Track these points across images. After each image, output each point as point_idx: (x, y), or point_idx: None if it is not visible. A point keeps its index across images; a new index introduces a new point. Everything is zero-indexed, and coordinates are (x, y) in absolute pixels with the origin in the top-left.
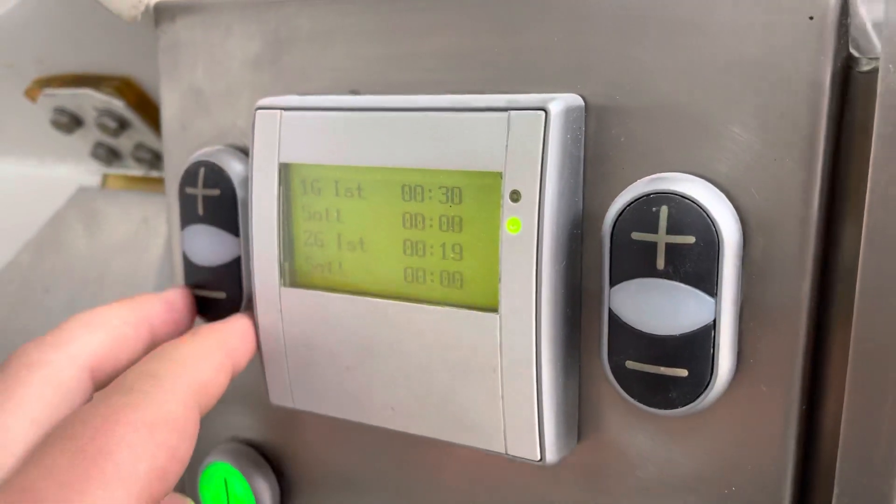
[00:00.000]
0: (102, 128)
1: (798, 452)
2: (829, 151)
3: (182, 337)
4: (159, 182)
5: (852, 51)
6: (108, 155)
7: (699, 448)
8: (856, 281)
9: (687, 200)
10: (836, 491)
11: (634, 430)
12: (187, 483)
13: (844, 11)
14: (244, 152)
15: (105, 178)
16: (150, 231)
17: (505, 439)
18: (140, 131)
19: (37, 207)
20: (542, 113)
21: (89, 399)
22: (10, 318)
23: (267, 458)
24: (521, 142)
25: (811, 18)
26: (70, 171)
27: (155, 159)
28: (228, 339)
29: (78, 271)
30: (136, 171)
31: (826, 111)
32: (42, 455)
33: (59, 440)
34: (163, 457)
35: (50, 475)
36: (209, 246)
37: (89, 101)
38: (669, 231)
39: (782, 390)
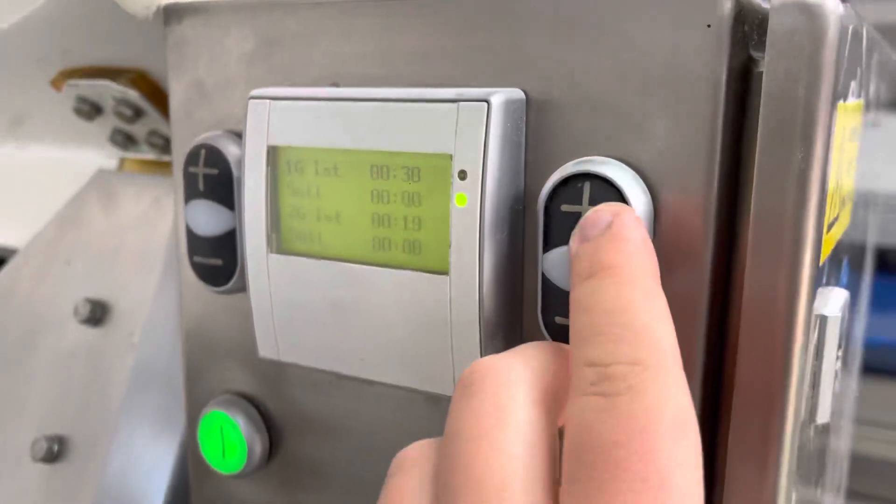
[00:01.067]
0: (119, 115)
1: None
2: (728, 141)
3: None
4: (170, 165)
5: (752, 52)
6: (125, 140)
7: None
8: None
9: (604, 180)
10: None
11: None
12: (190, 431)
13: (739, 19)
14: (240, 136)
15: (122, 161)
16: (161, 210)
17: (454, 385)
18: (153, 119)
19: (60, 188)
20: (485, 104)
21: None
22: (36, 286)
23: (258, 408)
24: (467, 128)
25: (709, 26)
26: (90, 156)
27: (166, 144)
28: None
29: (96, 246)
30: (150, 155)
31: (723, 106)
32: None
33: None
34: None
35: None
36: (208, 219)
37: (108, 91)
38: (591, 203)
39: (685, 356)
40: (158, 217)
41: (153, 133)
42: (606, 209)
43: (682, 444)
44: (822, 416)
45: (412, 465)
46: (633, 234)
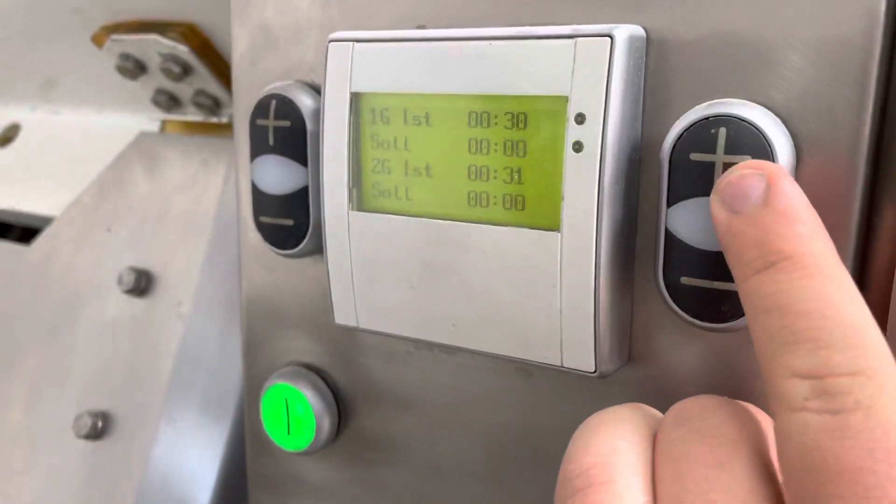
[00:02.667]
0: (167, 72)
1: None
2: (883, 77)
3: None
4: (217, 127)
5: None
6: (168, 101)
7: (746, 365)
8: None
9: (744, 123)
10: None
11: (684, 348)
12: (250, 404)
13: None
14: (312, 87)
15: (163, 124)
16: (210, 172)
17: (561, 352)
18: (202, 77)
19: (96, 154)
20: (609, 39)
21: None
22: (75, 255)
23: (326, 380)
24: (587, 67)
25: None
26: (128, 119)
27: (215, 105)
28: None
29: (138, 211)
30: (196, 116)
31: (881, 37)
32: None
33: None
34: None
35: None
36: (278, 175)
37: (154, 46)
38: (727, 151)
39: None
40: (207, 180)
41: (200, 92)
42: (753, 171)
43: None
44: None
45: (605, 482)
46: (803, 211)
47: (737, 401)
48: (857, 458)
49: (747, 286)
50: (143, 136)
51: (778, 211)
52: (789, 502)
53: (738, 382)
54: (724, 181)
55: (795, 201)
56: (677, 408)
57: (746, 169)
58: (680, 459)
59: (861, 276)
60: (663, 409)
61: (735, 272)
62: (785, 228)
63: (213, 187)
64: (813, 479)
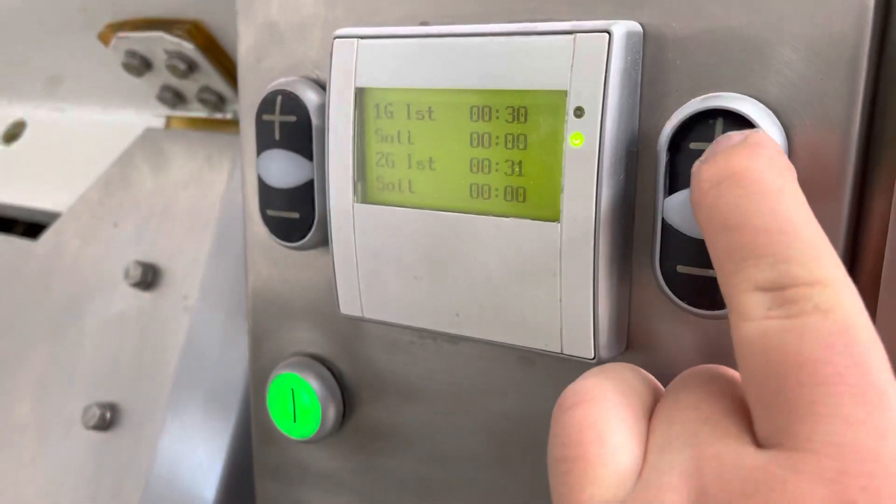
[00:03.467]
0: (172, 69)
1: None
2: (872, 71)
3: None
4: (222, 123)
5: None
6: (174, 98)
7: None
8: (892, 199)
9: (739, 115)
10: None
11: (680, 335)
12: (255, 395)
13: None
14: (317, 83)
15: (168, 120)
16: (214, 168)
17: (561, 340)
18: (207, 74)
19: (102, 150)
20: (606, 35)
21: None
22: (81, 250)
23: (331, 370)
24: (585, 61)
25: None
26: (133, 117)
27: (219, 101)
28: None
29: (144, 206)
30: (200, 112)
31: (870, 32)
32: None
33: None
34: None
35: None
36: (284, 169)
37: (160, 43)
38: None
39: None
40: (212, 175)
41: (205, 89)
42: (735, 132)
43: (884, 358)
44: None
45: (596, 398)
46: (768, 142)
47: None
48: (816, 351)
49: (699, 208)
50: (148, 133)
51: (745, 142)
52: (753, 406)
53: (733, 368)
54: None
55: (764, 138)
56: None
57: (731, 133)
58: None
59: (852, 264)
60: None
61: (693, 196)
62: (745, 149)
63: (217, 182)
64: (774, 374)
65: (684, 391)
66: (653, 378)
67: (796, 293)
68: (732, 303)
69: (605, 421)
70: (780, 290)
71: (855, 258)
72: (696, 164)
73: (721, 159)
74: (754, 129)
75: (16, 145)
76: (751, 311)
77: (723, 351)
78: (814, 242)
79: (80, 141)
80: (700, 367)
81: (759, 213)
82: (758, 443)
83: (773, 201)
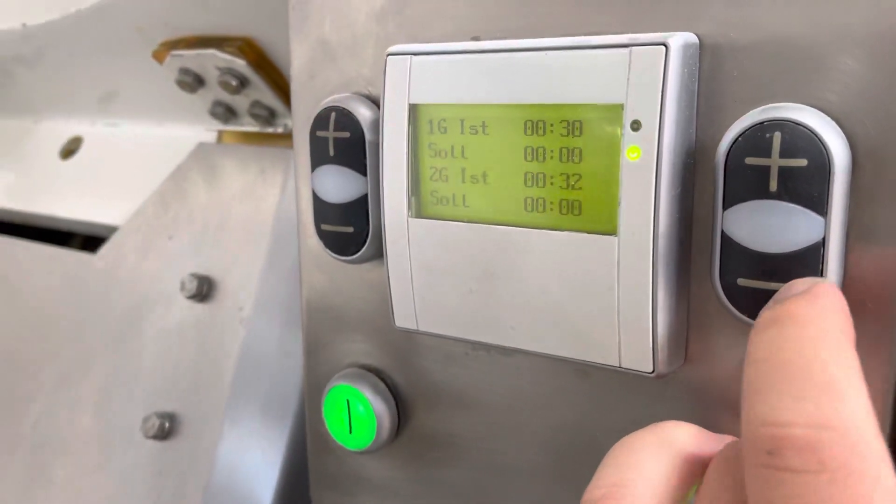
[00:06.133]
0: (224, 86)
1: None
2: None
3: None
4: (273, 137)
5: None
6: (226, 113)
7: None
8: None
9: (800, 126)
10: None
11: (740, 348)
12: (311, 405)
13: None
14: (370, 99)
15: (220, 134)
16: (267, 182)
17: (619, 353)
18: (258, 89)
19: (156, 165)
20: (663, 48)
21: None
22: (138, 263)
23: (385, 381)
24: (642, 74)
25: None
26: (186, 131)
27: (270, 116)
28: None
29: (199, 220)
30: (252, 127)
31: None
32: None
33: None
34: None
35: None
36: (338, 184)
37: (212, 61)
38: (783, 155)
39: (887, 308)
40: (265, 189)
41: (256, 104)
42: (802, 280)
43: None
44: None
45: (623, 496)
46: (832, 293)
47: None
48: None
49: (751, 339)
50: (201, 147)
51: (809, 292)
52: None
53: None
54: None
55: (830, 289)
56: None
57: (798, 280)
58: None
59: None
60: (720, 409)
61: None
62: (805, 298)
63: (270, 195)
64: None
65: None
66: (702, 436)
67: (797, 435)
68: (742, 434)
69: None
70: (781, 428)
71: None
72: (761, 311)
73: (779, 306)
74: (822, 280)
75: (73, 160)
76: (751, 451)
77: None
78: (837, 380)
79: (134, 156)
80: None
81: (789, 348)
82: None
83: (807, 340)
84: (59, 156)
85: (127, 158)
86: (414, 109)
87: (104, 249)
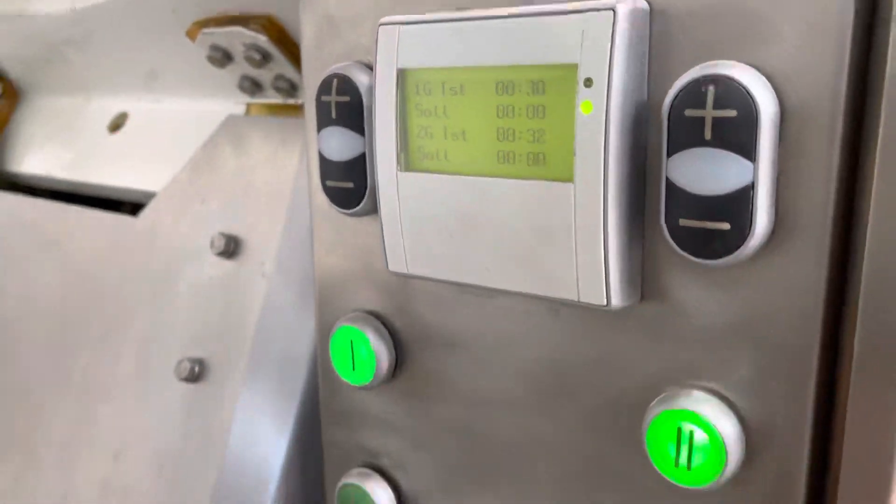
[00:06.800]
0: (249, 60)
1: (829, 299)
2: (859, 39)
3: None
4: (294, 108)
5: None
6: (252, 86)
7: (745, 297)
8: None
9: (732, 81)
10: (858, 331)
11: (690, 285)
12: (322, 348)
13: None
14: (367, 66)
15: (248, 107)
16: (288, 150)
17: (578, 289)
18: (279, 63)
19: (193, 136)
20: (612, 13)
21: None
22: (174, 225)
23: (385, 324)
24: (592, 37)
25: None
26: (218, 105)
27: (291, 88)
28: None
29: (227, 185)
30: (276, 99)
31: (854, 5)
32: None
33: None
34: None
35: None
36: (340, 144)
37: (238, 37)
38: (715, 107)
39: (815, 246)
40: (286, 156)
41: (279, 77)
42: None
43: None
44: None
45: None
46: None
47: None
48: None
49: None
50: (230, 119)
51: None
52: None
53: (741, 314)
54: None
55: None
56: None
57: None
58: None
59: (843, 220)
60: (675, 342)
61: None
62: None
63: (290, 163)
64: None
65: None
66: None
67: None
68: None
69: None
70: None
71: (847, 213)
72: None
73: None
74: None
75: (120, 134)
76: None
77: (728, 300)
78: None
79: (174, 128)
80: None
81: None
82: None
83: None
84: (107, 130)
85: (168, 131)
86: (402, 74)
87: (144, 213)
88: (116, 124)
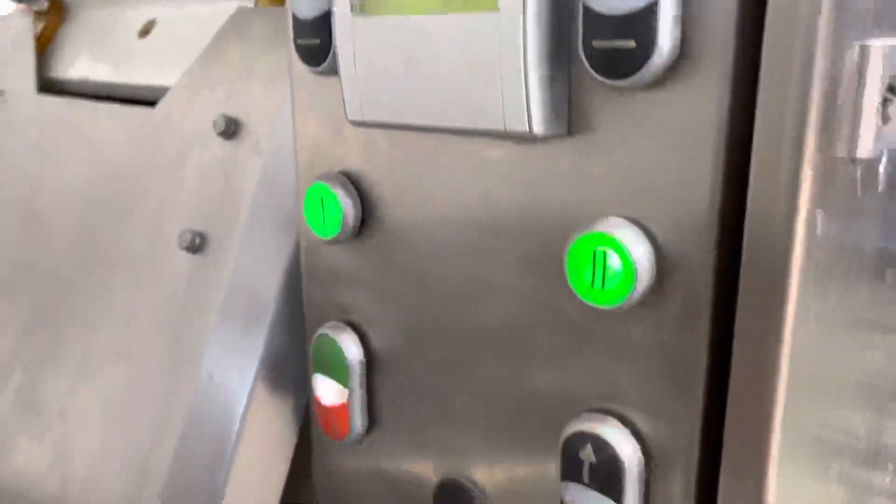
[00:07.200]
0: None
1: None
2: None
3: None
4: None
5: None
6: None
7: (658, 126)
8: None
9: None
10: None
11: (611, 117)
12: (297, 208)
13: None
14: None
15: (257, 1)
16: (287, 37)
17: (504, 119)
18: None
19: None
20: None
21: None
22: (185, 113)
23: (352, 181)
24: None
25: None
26: (232, 6)
27: None
28: None
29: (232, 72)
30: None
31: None
32: None
33: None
34: None
35: None
36: (308, 1)
37: None
38: None
39: (717, 64)
40: (284, 43)
41: None
42: None
43: None
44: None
45: None
46: None
47: None
48: None
49: None
50: (239, 11)
51: None
52: None
53: (652, 149)
54: None
55: None
56: None
57: None
58: None
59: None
60: (600, 174)
61: None
62: None
63: (288, 49)
64: None
65: None
66: None
67: None
68: None
69: None
70: None
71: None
72: None
73: None
74: None
75: (150, 38)
76: None
77: (639, 124)
78: None
79: (196, 29)
80: None
81: None
82: None
83: None
84: (137, 35)
85: (192, 33)
86: None
87: (161, 103)
88: (146, 30)
